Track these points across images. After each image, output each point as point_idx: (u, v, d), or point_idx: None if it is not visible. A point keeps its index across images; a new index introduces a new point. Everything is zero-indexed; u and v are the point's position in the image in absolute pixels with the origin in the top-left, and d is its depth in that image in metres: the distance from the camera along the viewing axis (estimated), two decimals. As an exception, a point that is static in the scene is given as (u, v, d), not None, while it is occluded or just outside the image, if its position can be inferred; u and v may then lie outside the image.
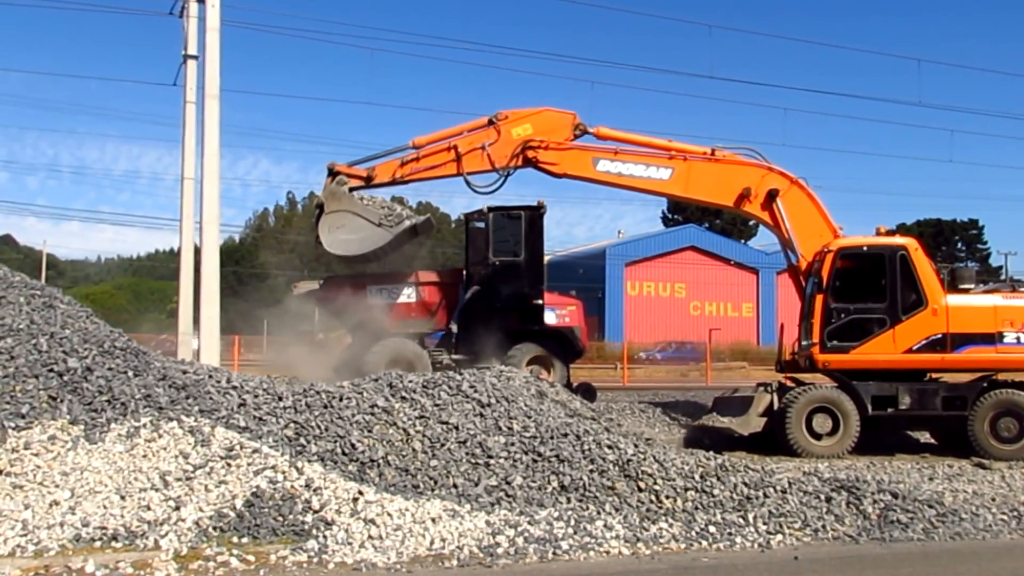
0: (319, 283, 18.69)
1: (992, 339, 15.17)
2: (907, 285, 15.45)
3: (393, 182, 18.18)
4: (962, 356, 15.22)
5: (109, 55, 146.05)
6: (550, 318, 19.97)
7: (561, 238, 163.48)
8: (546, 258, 21.38)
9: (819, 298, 15.69)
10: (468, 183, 17.63)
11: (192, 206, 20.45)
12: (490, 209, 20.42)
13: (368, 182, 18.09)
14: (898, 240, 15.90)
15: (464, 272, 20.00)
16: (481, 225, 20.65)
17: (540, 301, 19.82)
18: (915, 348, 15.28)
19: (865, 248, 15.96)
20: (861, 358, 15.44)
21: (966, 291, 15.70)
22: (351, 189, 18.21)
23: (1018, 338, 15.15)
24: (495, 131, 17.52)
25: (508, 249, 20.00)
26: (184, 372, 10.37)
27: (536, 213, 20.32)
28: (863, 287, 15.84)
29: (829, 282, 15.71)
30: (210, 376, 10.50)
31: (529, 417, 10.40)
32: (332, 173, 18.07)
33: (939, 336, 15.25)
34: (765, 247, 73.23)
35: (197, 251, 20.05)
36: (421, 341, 19.23)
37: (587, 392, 18.75)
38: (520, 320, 19.72)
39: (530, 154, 17.44)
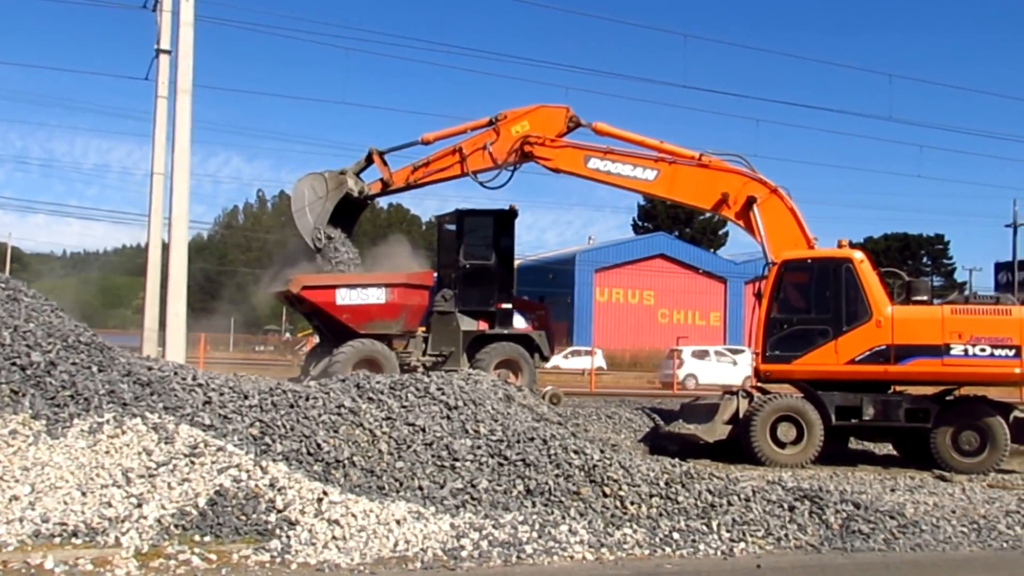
0: (288, 282, 18.60)
1: (938, 351, 15.01)
2: (851, 297, 15.47)
3: (408, 186, 19.36)
4: (906, 368, 15.11)
5: (82, 48, 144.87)
6: (519, 322, 20.05)
7: (532, 243, 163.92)
8: (516, 262, 21.50)
9: (763, 308, 15.82)
10: (476, 180, 18.63)
11: (161, 201, 20.30)
12: (461, 212, 20.49)
13: (385, 187, 19.02)
14: (843, 252, 15.95)
15: (434, 275, 20.02)
16: (452, 227, 20.72)
17: (509, 305, 19.90)
18: (858, 359, 15.27)
19: (810, 260, 16.13)
20: (802, 368, 15.51)
21: (921, 303, 15.78)
22: (367, 198, 19.26)
23: (965, 350, 14.97)
24: (495, 131, 18.44)
25: (479, 252, 20.10)
26: (149, 368, 10.29)
27: (507, 217, 20.41)
28: (808, 299, 15.97)
29: (773, 293, 15.85)
30: (175, 373, 10.42)
31: (496, 421, 10.38)
32: (361, 169, 19.35)
33: (883, 347, 15.20)
34: (734, 257, 73.91)
35: (165, 247, 19.90)
36: (389, 343, 19.24)
37: (554, 397, 18.84)
38: (489, 323, 19.79)
39: (527, 148, 18.27)
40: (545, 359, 20.51)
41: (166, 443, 8.65)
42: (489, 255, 20.14)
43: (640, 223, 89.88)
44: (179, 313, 18.79)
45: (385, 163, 19.34)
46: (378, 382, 10.95)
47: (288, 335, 73.40)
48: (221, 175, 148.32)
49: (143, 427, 8.84)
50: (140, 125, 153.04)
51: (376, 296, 18.80)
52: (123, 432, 8.72)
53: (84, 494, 7.85)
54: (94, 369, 9.65)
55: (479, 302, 19.79)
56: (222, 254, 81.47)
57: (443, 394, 10.77)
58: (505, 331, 19.75)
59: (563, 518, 8.65)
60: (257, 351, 60.74)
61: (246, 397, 10.03)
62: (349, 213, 19.62)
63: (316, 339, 22.94)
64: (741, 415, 15.43)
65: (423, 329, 19.71)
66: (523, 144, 18.25)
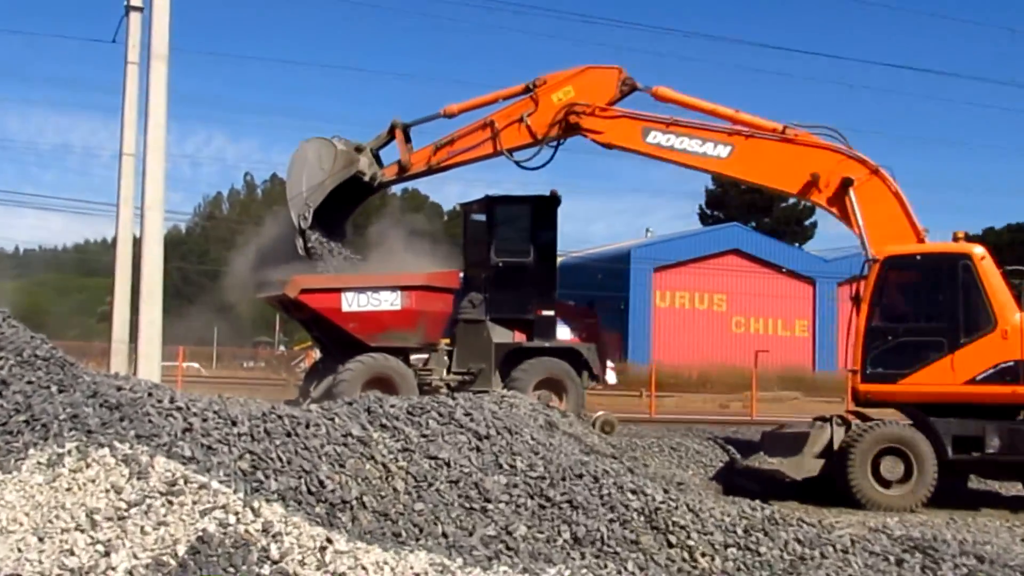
0: (282, 284, 18.73)
1: None
2: (970, 301, 15.30)
3: (429, 170, 19.48)
4: None
5: (34, 5, 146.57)
6: (563, 333, 20.15)
7: (577, 236, 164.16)
8: (559, 259, 21.61)
9: (861, 316, 15.67)
10: (512, 160, 18.76)
11: (132, 188, 20.49)
12: (492, 199, 20.61)
13: (403, 172, 19.06)
14: (960, 247, 15.72)
15: (460, 275, 20.11)
16: (481, 218, 20.85)
17: (551, 312, 19.98)
18: (979, 378, 15.09)
19: (919, 257, 15.94)
20: (911, 389, 15.36)
21: None
22: (381, 185, 19.74)
23: None
24: (533, 100, 18.47)
25: (514, 248, 20.26)
26: (118, 389, 10.33)
27: (548, 204, 20.53)
28: (917, 304, 15.82)
29: (874, 297, 15.68)
30: (149, 394, 10.46)
31: (536, 453, 10.37)
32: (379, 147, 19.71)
33: (1010, 364, 15.00)
34: (824, 252, 73.23)
35: (136, 242, 20.08)
36: (406, 358, 19.41)
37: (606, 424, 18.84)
38: (526, 334, 19.83)
39: (573, 120, 18.26)
40: (595, 378, 20.51)
41: (139, 479, 8.69)
42: (526, 251, 20.24)
43: (709, 212, 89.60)
44: (154, 321, 18.93)
45: (408, 140, 19.42)
46: (393, 406, 10.98)
47: (283, 349, 73.83)
48: (202, 156, 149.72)
49: (111, 459, 8.86)
50: (106, 98, 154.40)
51: (389, 301, 18.89)
52: (88, 465, 8.76)
53: (41, 540, 7.90)
54: (53, 389, 9.72)
55: (514, 308, 19.89)
56: (203, 250, 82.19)
57: (472, 421, 10.79)
58: (547, 344, 19.81)
59: (619, 573, 8.61)
60: (246, 367, 61.14)
61: (234, 424, 10.04)
62: (352, 196, 19.77)
63: (316, 353, 23.05)
64: (836, 447, 15.30)
65: (447, 341, 19.81)
66: (567, 114, 18.27)
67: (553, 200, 20.59)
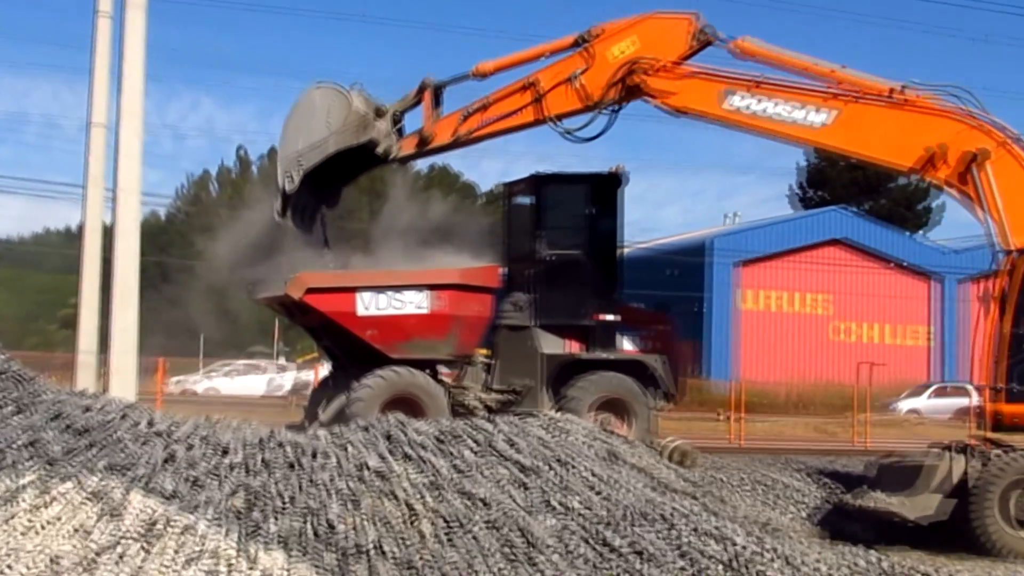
0: (283, 282, 18.79)
1: None
2: None
3: (456, 143, 19.49)
4: None
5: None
6: (628, 342, 20.07)
7: (643, 223, 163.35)
8: (622, 251, 21.53)
9: (1005, 321, 15.52)
10: (559, 129, 18.70)
11: (102, 166, 20.59)
12: (541, 178, 20.56)
13: (424, 144, 19.09)
14: None
15: (501, 271, 20.12)
16: (528, 201, 20.81)
17: (613, 317, 19.92)
18: None
19: None
20: None
21: None
22: (396, 160, 19.85)
23: None
24: (585, 55, 18.40)
25: (567, 238, 20.25)
26: (86, 410, 10.42)
27: (609, 184, 20.49)
28: None
29: (1019, 298, 15.53)
30: (123, 416, 10.56)
31: (594, 490, 10.39)
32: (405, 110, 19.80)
33: None
34: (950, 242, 72.47)
35: (108, 232, 20.20)
36: (435, 373, 19.51)
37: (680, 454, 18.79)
38: (583, 343, 19.80)
39: (635, 80, 18.14)
40: (668, 397, 20.44)
41: (111, 518, 8.72)
42: (582, 241, 20.20)
43: (805, 193, 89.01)
44: (128, 328, 19.06)
45: (438, 104, 19.43)
46: (418, 432, 11.10)
47: (283, 361, 74.02)
48: (186, 127, 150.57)
49: (78, 495, 8.93)
50: (72, 56, 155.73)
51: (415, 303, 18.93)
52: (50, 502, 8.81)
53: (-6, 593, 7.96)
54: (8, 410, 9.80)
55: (568, 312, 19.89)
56: (188, 241, 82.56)
57: (515, 450, 10.88)
58: (608, 355, 19.77)
59: (696, 637, 8.57)
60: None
61: (225, 452, 10.11)
62: (358, 163, 19.86)
63: (326, 367, 23.10)
64: (961, 480, 15.16)
65: (485, 353, 19.77)
66: (628, 73, 18.18)
67: (615, 179, 20.50)
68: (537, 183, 20.65)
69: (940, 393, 50.22)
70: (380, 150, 19.27)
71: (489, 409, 19.03)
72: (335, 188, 20.57)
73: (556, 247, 20.26)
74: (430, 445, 10.70)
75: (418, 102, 19.55)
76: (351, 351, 19.56)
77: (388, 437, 10.85)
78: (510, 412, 17.38)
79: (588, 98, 18.42)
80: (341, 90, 19.36)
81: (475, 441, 10.92)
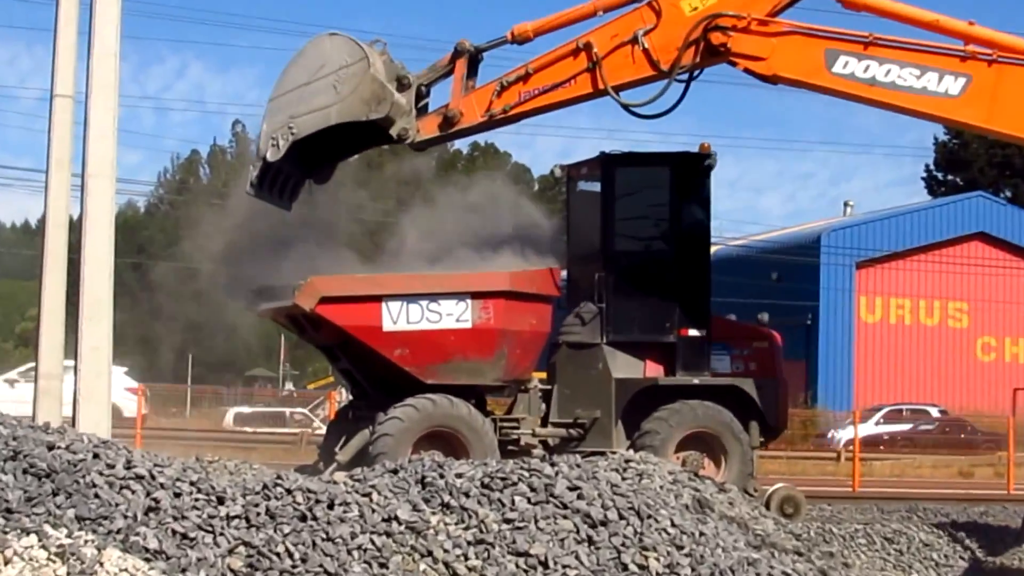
0: (293, 290, 18.73)
1: None
2: None
3: (489, 122, 19.07)
4: None
5: None
6: (721, 363, 20.04)
7: (736, 214, 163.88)
8: (713, 250, 21.51)
9: None
10: (620, 103, 18.49)
11: (69, 146, 20.60)
12: (611, 159, 20.51)
13: (449, 127, 18.97)
14: None
15: (562, 275, 20.12)
16: (595, 188, 20.76)
17: (702, 331, 19.87)
18: None
19: None
20: None
21: None
22: (413, 146, 19.45)
23: None
24: (652, 9, 18.16)
25: (644, 233, 20.23)
26: (50, 448, 10.43)
27: (696, 166, 20.41)
28: None
29: None
30: (96, 455, 10.53)
31: (680, 548, 10.41)
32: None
33: None
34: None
35: (75, 227, 20.18)
36: (481, 402, 19.51)
37: (787, 502, 18.65)
38: (665, 365, 19.85)
39: (717, 39, 17.83)
40: (771, 431, 20.35)
41: (80, 583, 8.65)
42: (663, 237, 20.14)
43: (940, 176, 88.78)
44: (100, 347, 19.02)
45: (473, 74, 19.23)
46: (460, 476, 11.04)
47: (291, 388, 74.67)
48: (170, 97, 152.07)
49: (41, 551, 8.89)
50: (31, 11, 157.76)
51: (455, 315, 18.86)
52: (6, 561, 8.77)
53: None
54: (-47, 450, 9.74)
55: (646, 326, 19.97)
56: (173, 238, 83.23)
57: (581, 498, 10.83)
58: (696, 379, 19.70)
59: None
60: (236, 414, 61.82)
61: (221, 501, 10.11)
62: (362, 137, 19.66)
63: (344, 395, 23.05)
64: None
65: (542, 377, 19.73)
66: (708, 31, 17.85)
67: (703, 160, 20.38)
68: (606, 165, 20.56)
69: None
70: (395, 131, 18.88)
71: (547, 447, 19.10)
72: (328, 162, 20.24)
73: (630, 244, 20.33)
74: (474, 492, 10.66)
75: (449, 72, 19.24)
76: (375, 375, 19.49)
77: (422, 482, 10.79)
78: (573, 451, 17.52)
79: (656, 63, 18.13)
80: (360, 46, 18.81)
81: (530, 487, 10.88)
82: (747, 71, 18.07)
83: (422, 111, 19.33)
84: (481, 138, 66.52)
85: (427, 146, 20.02)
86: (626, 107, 18.44)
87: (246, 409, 50.08)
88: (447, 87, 19.29)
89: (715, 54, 17.98)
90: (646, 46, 18.03)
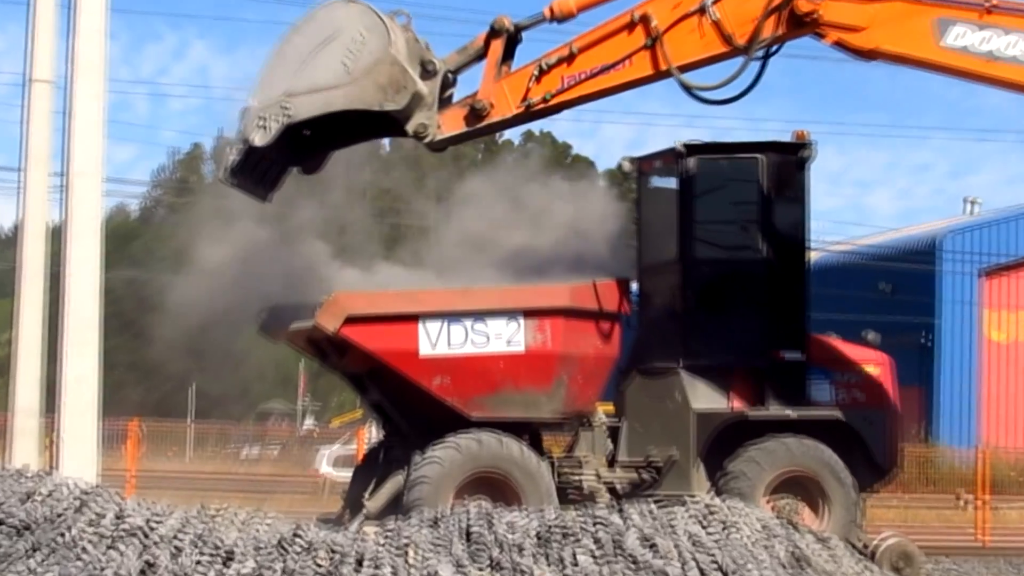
0: (314, 309, 18.75)
1: None
2: None
3: (528, 114, 18.54)
4: None
5: None
6: (820, 392, 19.93)
7: (839, 214, 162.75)
8: (810, 259, 21.42)
9: None
10: (685, 86, 18.14)
11: (48, 140, 20.83)
12: (690, 149, 20.45)
13: (476, 120, 18.31)
14: None
15: (631, 288, 20.21)
16: (670, 184, 20.71)
17: (799, 355, 19.84)
18: None
19: None
20: None
21: None
22: (432, 147, 18.82)
23: None
24: None
25: (730, 237, 20.14)
26: (28, 497, 10.50)
27: (791, 158, 20.32)
28: None
29: None
30: (81, 506, 10.61)
31: (774, 612, 10.30)
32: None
33: None
34: None
35: (56, 235, 20.37)
36: (535, 439, 19.65)
37: (900, 557, 18.65)
38: (752, 395, 19.90)
39: (805, 6, 17.50)
40: (883, 471, 20.30)
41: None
42: (753, 243, 20.05)
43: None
44: (86, 377, 19.18)
45: (510, 57, 18.86)
46: (512, 527, 11.14)
47: (311, 423, 74.53)
48: (167, 81, 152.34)
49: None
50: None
51: (505, 337, 18.88)
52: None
53: None
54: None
55: (733, 349, 19.96)
56: (172, 248, 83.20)
57: (655, 553, 10.85)
58: (792, 412, 19.68)
59: None
60: (246, 458, 61.91)
61: (230, 559, 10.18)
62: (365, 125, 19.08)
63: (374, 432, 23.16)
64: None
65: (608, 410, 19.71)
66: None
67: (800, 150, 20.33)
68: (684, 158, 20.43)
69: None
70: (411, 126, 18.39)
71: (615, 493, 19.08)
72: (320, 149, 19.83)
73: (713, 251, 20.36)
74: (529, 547, 10.68)
75: (481, 55, 18.73)
76: (411, 409, 19.51)
77: (467, 536, 10.83)
78: (646, 497, 17.26)
79: (730, 38, 17.77)
80: (380, 17, 18.13)
81: (595, 540, 10.91)
82: (838, 45, 17.87)
83: (445, 103, 18.87)
84: (536, 126, 65.77)
85: (448, 145, 19.38)
86: (691, 91, 18.14)
87: (342, 450, 49.29)
88: (477, 75, 18.74)
89: (801, 25, 17.67)
90: (716, 17, 17.73)
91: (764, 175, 20.23)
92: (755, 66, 18.15)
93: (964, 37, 17.32)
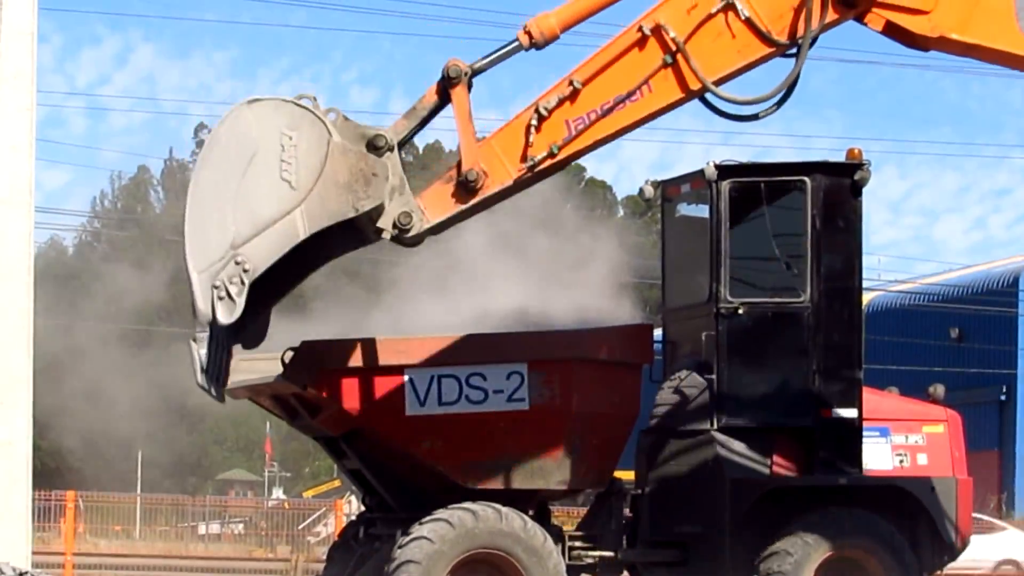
0: (281, 360, 18.55)
1: None
2: None
3: (534, 175, 16.56)
4: None
5: None
6: (880, 454, 19.90)
7: (900, 247, 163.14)
8: (867, 298, 21.36)
9: None
10: (723, 106, 16.84)
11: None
12: (723, 171, 20.40)
13: (469, 196, 16.15)
14: None
15: (654, 334, 20.08)
16: (700, 213, 20.70)
17: (853, 412, 19.79)
18: None
19: None
20: None
21: None
22: (419, 239, 16.47)
23: None
24: None
25: (771, 272, 20.09)
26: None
27: (843, 181, 20.30)
28: None
29: None
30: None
31: None
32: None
33: None
34: None
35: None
36: (542, 513, 19.59)
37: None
38: (799, 461, 19.82)
39: None
40: (952, 549, 20.25)
41: None
42: (799, 280, 20.01)
43: None
44: (14, 441, 19.22)
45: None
46: None
47: (280, 496, 74.64)
48: (110, 93, 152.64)
49: None
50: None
51: (506, 391, 18.84)
52: None
53: None
54: None
55: (774, 405, 19.98)
56: (114, 291, 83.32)
57: None
58: (844, 479, 19.61)
59: None
60: (204, 533, 62.06)
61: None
62: (326, 246, 17.69)
63: (354, 505, 23.20)
64: None
65: (628, 477, 19.71)
66: None
67: (853, 173, 20.27)
68: (717, 181, 20.41)
69: None
70: (387, 221, 16.26)
71: (636, 574, 19.31)
72: (257, 310, 17.37)
73: (751, 291, 20.30)
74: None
75: (433, 113, 16.73)
76: (396, 477, 19.49)
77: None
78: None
79: (769, 35, 16.34)
80: (300, 107, 16.31)
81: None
82: (892, 33, 16.79)
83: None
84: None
85: (434, 234, 17.19)
86: (729, 107, 16.79)
87: None
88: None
89: (851, 5, 16.45)
90: (748, 14, 16.30)
91: (811, 201, 20.13)
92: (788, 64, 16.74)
93: None
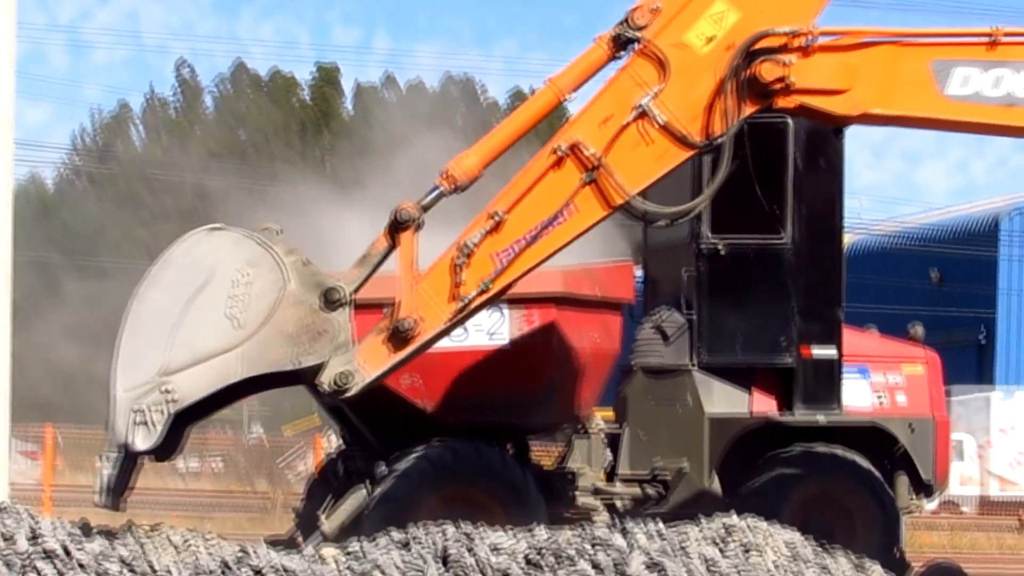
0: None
1: None
2: None
3: (466, 314, 16.18)
4: None
5: None
6: (858, 394, 19.95)
7: (881, 190, 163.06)
8: (846, 240, 21.36)
9: None
10: (649, 217, 17.06)
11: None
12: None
13: (403, 344, 14.09)
14: None
15: (635, 273, 20.08)
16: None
17: (833, 351, 19.85)
18: None
19: None
20: None
21: None
22: (356, 395, 15.83)
23: None
24: (648, 58, 15.88)
25: (752, 212, 20.07)
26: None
27: (822, 129, 20.27)
28: None
29: None
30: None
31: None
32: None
33: None
34: None
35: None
36: (522, 448, 19.73)
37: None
38: (779, 399, 19.89)
39: (771, 73, 15.79)
40: (929, 487, 20.33)
41: None
42: (780, 220, 20.03)
43: None
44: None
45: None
46: (496, 549, 11.28)
47: (259, 432, 74.46)
48: (89, 29, 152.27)
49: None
50: None
51: (485, 328, 18.83)
52: None
53: None
54: None
55: (754, 344, 20.04)
56: (93, 227, 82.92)
57: None
58: (823, 417, 19.69)
59: None
60: (184, 470, 61.89)
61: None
62: (255, 382, 17.18)
63: (332, 441, 23.19)
64: None
65: (606, 416, 19.73)
66: (752, 62, 15.81)
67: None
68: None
69: None
70: (327, 378, 15.77)
71: (615, 510, 19.15)
72: (177, 426, 16.53)
73: (732, 231, 20.25)
74: (517, 572, 10.70)
75: (383, 258, 16.03)
76: (375, 414, 19.30)
77: (444, 559, 10.86)
78: (653, 515, 17.31)
79: (686, 138, 15.82)
80: (263, 246, 16.02)
81: (594, 565, 10.97)
82: (807, 113, 16.70)
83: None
84: (525, 83, 64.63)
85: (372, 386, 16.44)
86: (648, 216, 16.95)
87: None
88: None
89: (765, 95, 16.06)
90: (662, 120, 15.78)
91: (792, 142, 20.16)
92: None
93: (971, 81, 16.06)
